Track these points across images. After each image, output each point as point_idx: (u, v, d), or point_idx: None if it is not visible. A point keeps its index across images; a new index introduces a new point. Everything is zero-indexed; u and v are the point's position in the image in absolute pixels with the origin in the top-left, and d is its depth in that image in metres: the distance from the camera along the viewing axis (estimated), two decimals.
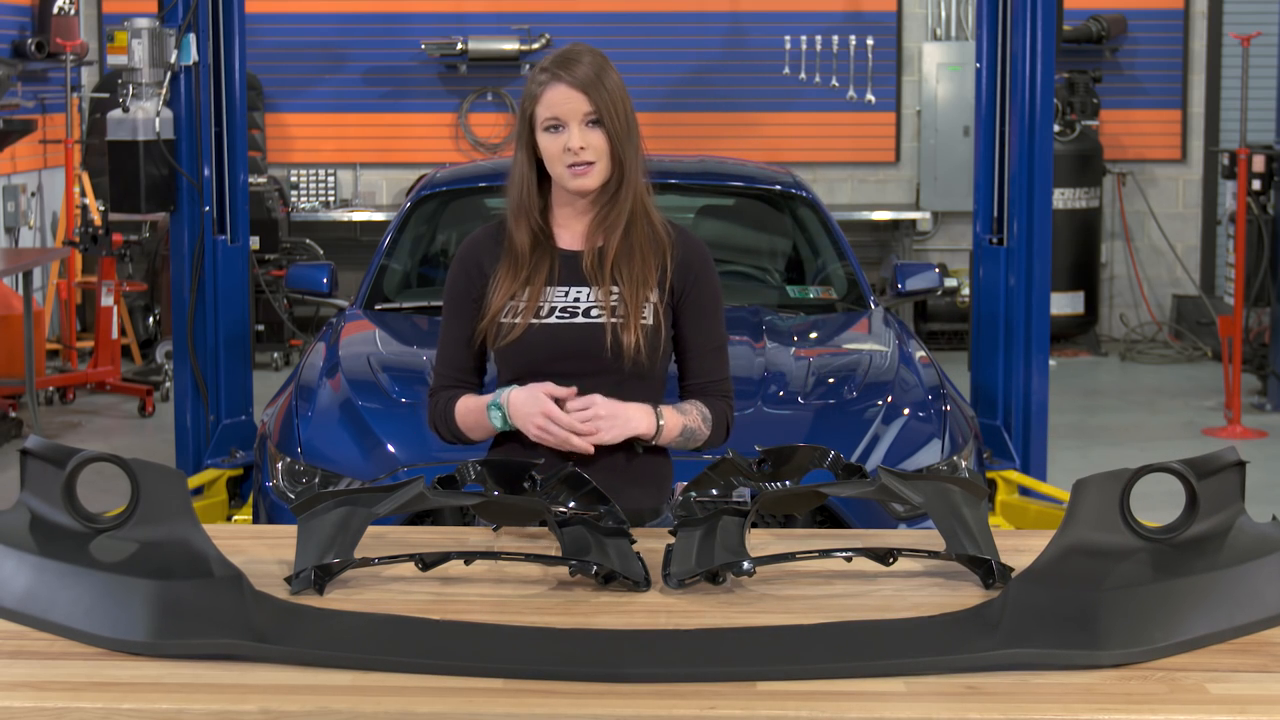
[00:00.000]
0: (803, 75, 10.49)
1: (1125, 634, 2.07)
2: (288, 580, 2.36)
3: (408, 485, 2.48)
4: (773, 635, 2.15)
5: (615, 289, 2.89)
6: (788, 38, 10.42)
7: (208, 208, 5.96)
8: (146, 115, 5.87)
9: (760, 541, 2.57)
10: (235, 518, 5.45)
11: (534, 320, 2.88)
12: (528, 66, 10.27)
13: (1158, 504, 2.82)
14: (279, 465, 4.29)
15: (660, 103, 10.34)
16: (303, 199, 10.43)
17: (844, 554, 2.45)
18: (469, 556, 2.44)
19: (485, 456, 2.89)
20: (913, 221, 10.48)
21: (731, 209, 6.14)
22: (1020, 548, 2.50)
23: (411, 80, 10.53)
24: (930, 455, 4.29)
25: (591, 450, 2.80)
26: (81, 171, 9.40)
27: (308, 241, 9.96)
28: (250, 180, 7.27)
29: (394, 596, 2.35)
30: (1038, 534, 2.56)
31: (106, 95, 9.06)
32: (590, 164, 2.85)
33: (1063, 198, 9.74)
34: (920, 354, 4.90)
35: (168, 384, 8.71)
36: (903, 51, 10.58)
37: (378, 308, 5.40)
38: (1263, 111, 9.56)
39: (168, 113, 5.89)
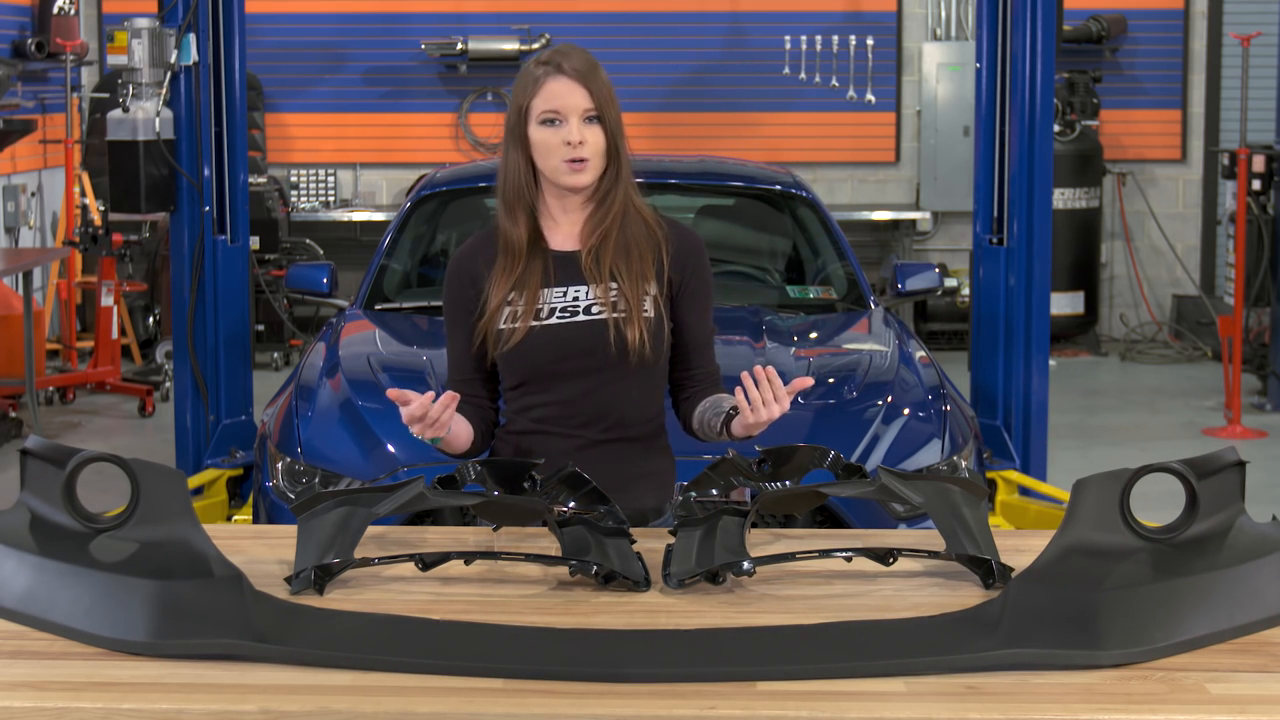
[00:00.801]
0: (803, 75, 10.48)
1: (1125, 634, 2.07)
2: (288, 580, 2.35)
3: (408, 485, 2.48)
4: (773, 635, 2.15)
5: (614, 285, 2.89)
6: (788, 38, 10.42)
7: (208, 208, 5.96)
8: (146, 115, 5.87)
9: (760, 541, 2.58)
10: (235, 518, 5.45)
11: (534, 323, 2.88)
12: None
13: (1158, 504, 2.82)
14: (279, 465, 4.29)
15: (660, 103, 10.34)
16: (303, 199, 10.43)
17: (844, 554, 2.45)
18: (469, 556, 2.44)
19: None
20: (913, 221, 10.47)
21: (731, 209, 6.14)
22: (1020, 548, 2.49)
23: (411, 80, 10.53)
24: (930, 455, 4.29)
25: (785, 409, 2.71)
26: (81, 171, 9.39)
27: (308, 241, 9.96)
28: (250, 180, 7.27)
29: (394, 596, 2.35)
30: (1038, 534, 2.56)
31: (106, 95, 9.06)
32: (585, 160, 2.85)
33: (1063, 198, 9.74)
34: (920, 354, 4.90)
35: (168, 384, 8.71)
36: (903, 51, 10.58)
37: (378, 308, 5.40)
38: (1263, 111, 9.56)
39: (168, 113, 5.89)
